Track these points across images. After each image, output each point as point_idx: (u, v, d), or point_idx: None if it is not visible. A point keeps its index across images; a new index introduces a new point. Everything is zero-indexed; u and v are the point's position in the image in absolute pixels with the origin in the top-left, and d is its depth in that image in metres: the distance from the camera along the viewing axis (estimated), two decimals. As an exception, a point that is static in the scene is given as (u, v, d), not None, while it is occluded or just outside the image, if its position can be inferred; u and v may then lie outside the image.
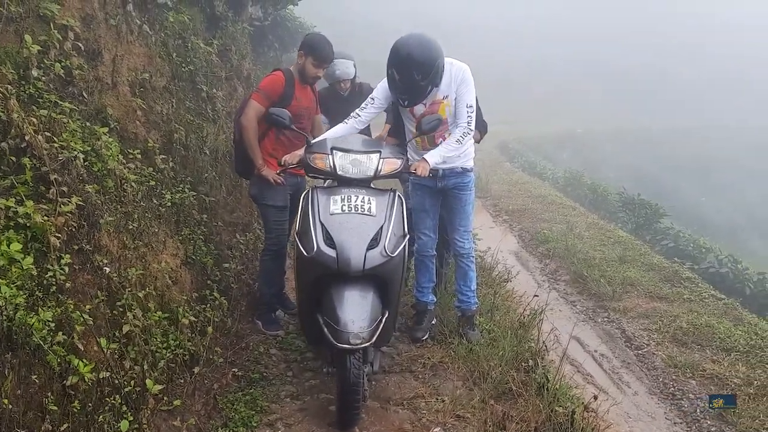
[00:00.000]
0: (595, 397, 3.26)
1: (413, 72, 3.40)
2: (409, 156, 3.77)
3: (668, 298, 5.52)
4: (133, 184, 3.64)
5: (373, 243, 2.99)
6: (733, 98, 32.62)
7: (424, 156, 3.59)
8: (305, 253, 3.01)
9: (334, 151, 3.28)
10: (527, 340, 4.12)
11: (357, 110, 3.73)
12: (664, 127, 27.26)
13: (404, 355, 4.00)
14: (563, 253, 6.96)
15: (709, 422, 3.64)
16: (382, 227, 3.05)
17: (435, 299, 4.34)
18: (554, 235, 7.65)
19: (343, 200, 3.11)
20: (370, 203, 3.12)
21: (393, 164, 3.36)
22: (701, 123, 28.13)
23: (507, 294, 5.16)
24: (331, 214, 3.06)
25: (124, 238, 3.40)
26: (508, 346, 3.89)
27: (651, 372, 4.30)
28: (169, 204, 4.17)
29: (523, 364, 3.72)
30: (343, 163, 3.25)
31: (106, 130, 3.74)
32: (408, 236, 3.21)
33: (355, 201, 3.11)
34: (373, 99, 3.73)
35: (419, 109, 3.72)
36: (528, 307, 4.58)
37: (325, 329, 2.92)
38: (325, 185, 3.51)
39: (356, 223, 3.04)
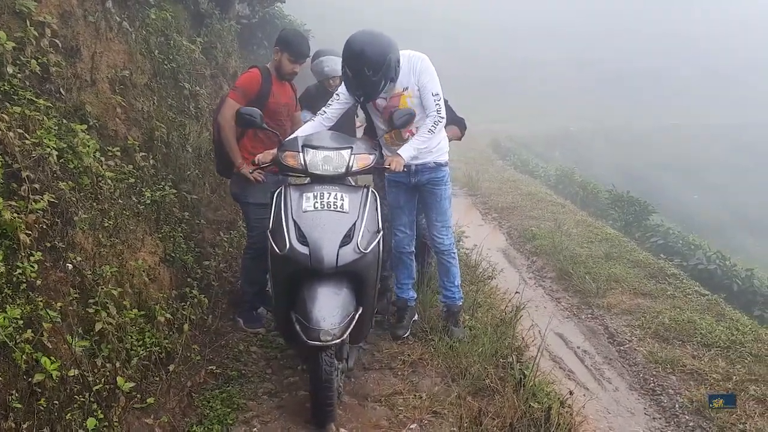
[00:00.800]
0: (571, 393, 3.27)
1: (364, 68, 3.38)
2: (383, 152, 3.78)
3: (652, 294, 5.53)
4: (109, 181, 3.61)
5: (346, 240, 2.99)
6: (723, 97, 32.73)
7: (398, 151, 3.57)
8: (278, 251, 3.01)
9: (305, 149, 3.27)
10: (508, 336, 4.12)
11: (324, 107, 3.72)
12: (656, 126, 27.33)
13: (384, 352, 3.99)
14: (550, 250, 6.97)
15: (687, 417, 3.64)
16: (355, 224, 3.06)
17: (415, 296, 4.33)
18: (542, 233, 7.66)
19: (315, 197, 3.11)
20: (343, 200, 3.12)
21: (365, 160, 3.35)
22: (691, 122, 28.19)
23: (490, 291, 5.17)
24: (304, 212, 3.06)
25: (100, 236, 3.38)
26: (488, 342, 3.89)
27: (632, 368, 4.30)
28: (149, 201, 4.15)
29: (501, 360, 3.71)
30: (315, 160, 3.24)
31: (84, 127, 3.71)
32: (382, 232, 3.21)
33: (328, 198, 3.11)
34: (338, 95, 3.70)
35: (381, 103, 3.71)
36: (510, 304, 4.58)
37: (297, 326, 2.92)
38: (303, 182, 3.48)
39: (329, 220, 3.04)
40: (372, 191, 3.29)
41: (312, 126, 3.66)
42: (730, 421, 3.50)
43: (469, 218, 8.92)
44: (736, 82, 35.11)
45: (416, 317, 4.35)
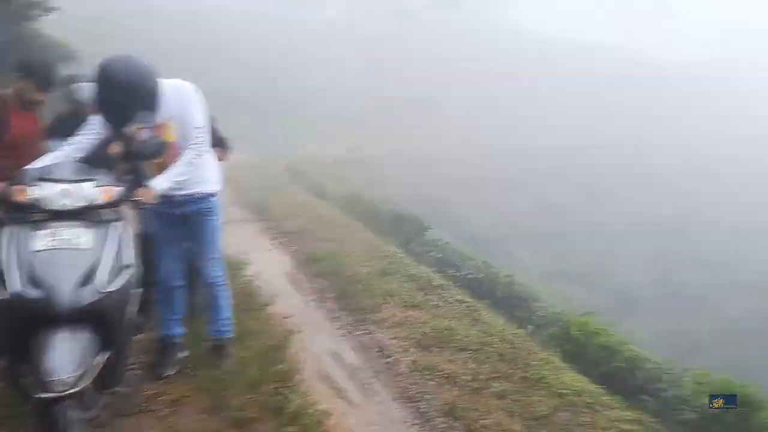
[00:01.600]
0: (330, 414, 3.36)
1: (115, 93, 3.24)
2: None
3: (420, 305, 5.94)
4: None
5: (86, 279, 2.78)
6: (495, 122, 36.70)
7: (150, 182, 3.41)
8: (2, 297, 2.71)
9: (39, 182, 2.97)
10: (278, 362, 4.16)
11: (74, 135, 3.47)
12: (439, 148, 29.70)
13: (145, 394, 3.79)
14: (333, 271, 7.16)
15: (440, 419, 3.94)
16: (96, 262, 2.86)
17: (182, 331, 4.17)
18: (326, 254, 7.85)
19: (49, 235, 2.85)
20: (84, 236, 2.90)
21: (109, 192, 3.10)
22: (469, 143, 31.18)
23: (266, 318, 5.16)
24: (36, 251, 2.79)
25: None
26: (256, 371, 3.88)
27: (396, 378, 4.56)
28: None
29: (267, 388, 3.73)
30: (50, 194, 2.94)
31: None
32: (133, 267, 3.03)
33: (65, 235, 2.87)
34: (91, 124, 3.49)
35: (145, 133, 3.55)
36: (282, 329, 4.62)
37: (30, 378, 2.67)
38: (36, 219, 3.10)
39: (65, 259, 2.80)
40: (123, 224, 3.11)
41: (56, 157, 3.37)
42: (475, 419, 3.86)
43: (257, 244, 8.89)
44: (506, 107, 39.45)
45: (186, 353, 4.20)
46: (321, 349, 5.05)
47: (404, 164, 25.97)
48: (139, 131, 3.56)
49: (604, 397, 4.34)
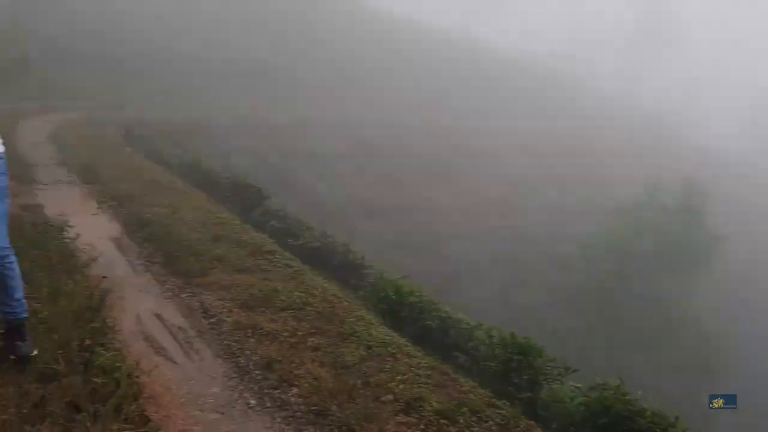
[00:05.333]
0: (137, 364, 3.43)
1: None
2: None
3: (249, 270, 6.07)
4: None
5: None
6: (350, 95, 37.23)
7: None
8: None
9: None
10: (91, 321, 4.10)
11: None
12: (289, 119, 29.62)
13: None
14: (162, 235, 7.05)
15: (257, 372, 4.13)
16: None
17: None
18: (157, 219, 7.69)
19: None
20: None
21: None
22: (318, 116, 31.42)
23: (82, 280, 5.02)
24: None
25: None
26: (64, 329, 3.81)
27: (219, 337, 4.68)
28: None
29: (75, 344, 3.69)
30: None
31: None
32: None
33: None
34: None
35: None
36: (97, 290, 4.54)
37: None
38: None
39: None
40: None
41: None
42: (289, 369, 4.10)
43: (82, 207, 8.46)
44: (361, 81, 40.16)
45: None
46: (144, 311, 5.03)
47: (248, 133, 25.59)
48: None
49: (407, 348, 4.78)
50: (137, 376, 3.47)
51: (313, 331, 4.70)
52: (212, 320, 4.97)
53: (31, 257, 5.23)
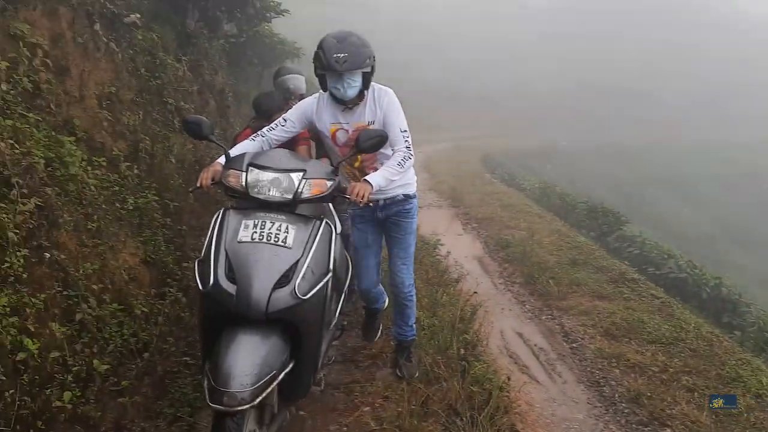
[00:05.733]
0: (508, 378, 3.58)
1: (354, 37, 3.16)
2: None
3: (609, 296, 5.86)
4: (93, 188, 3.96)
5: (283, 280, 2.52)
6: (707, 116, 33.46)
7: (366, 177, 3.13)
8: (200, 287, 2.55)
9: (250, 168, 2.79)
10: (463, 333, 4.45)
11: (265, 128, 3.36)
12: (645, 142, 27.85)
13: (349, 346, 4.32)
14: (522, 257, 7.29)
15: (624, 405, 3.95)
16: (297, 262, 2.59)
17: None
18: (516, 241, 7.99)
19: (255, 226, 2.64)
20: (287, 232, 2.64)
21: (320, 186, 2.82)
22: (679, 138, 28.76)
23: (455, 293, 5.48)
24: (239, 242, 2.60)
25: (83, 237, 3.72)
26: (443, 338, 4.20)
27: (581, 363, 4.61)
28: (132, 207, 4.50)
29: (451, 353, 4.03)
30: (259, 182, 2.76)
31: (72, 139, 4.08)
32: (331, 274, 2.72)
33: (270, 228, 2.63)
34: (285, 120, 3.36)
35: (341, 136, 3.38)
36: (468, 304, 4.90)
37: (204, 382, 2.42)
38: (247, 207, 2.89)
39: (265, 255, 2.56)
40: (326, 224, 2.82)
41: (248, 146, 3.21)
42: (661, 408, 3.81)
43: (450, 228, 9.28)
44: (725, 101, 35.83)
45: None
46: (507, 329, 5.26)
47: (602, 157, 24.82)
48: (335, 132, 3.40)
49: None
50: (507, 391, 3.63)
51: (686, 369, 4.29)
52: (573, 345, 4.93)
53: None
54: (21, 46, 3.96)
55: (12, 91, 3.76)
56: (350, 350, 4.28)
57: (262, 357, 2.42)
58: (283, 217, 2.69)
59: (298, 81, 4.86)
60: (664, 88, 36.45)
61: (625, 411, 3.89)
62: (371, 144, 2.99)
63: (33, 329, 2.85)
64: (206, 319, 2.63)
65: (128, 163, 4.72)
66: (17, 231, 3.09)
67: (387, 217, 3.63)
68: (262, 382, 2.37)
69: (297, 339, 2.62)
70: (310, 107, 3.40)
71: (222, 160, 3.01)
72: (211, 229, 2.70)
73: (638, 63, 38.62)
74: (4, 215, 3.05)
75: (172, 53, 6.24)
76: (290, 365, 2.58)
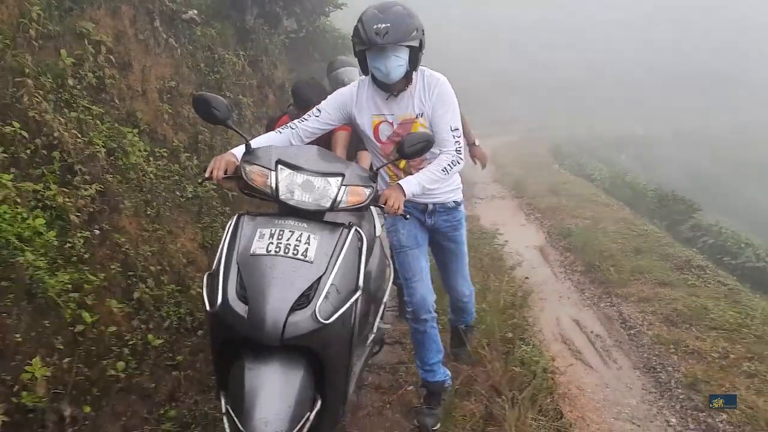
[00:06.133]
0: (553, 360, 3.53)
1: (398, 6, 2.69)
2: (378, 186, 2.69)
3: (673, 283, 5.64)
4: (152, 176, 4.18)
5: (303, 301, 2.13)
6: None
7: (400, 181, 2.71)
8: (207, 306, 2.17)
9: (279, 166, 2.35)
10: (513, 317, 4.42)
11: (297, 120, 2.89)
12: (727, 128, 26.44)
13: (397, 329, 4.37)
14: (583, 245, 7.13)
15: (680, 390, 3.81)
16: (319, 280, 2.17)
17: (449, 374, 3.38)
18: (578, 230, 7.81)
19: (272, 236, 2.23)
20: (308, 243, 2.22)
21: (357, 195, 2.41)
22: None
23: (509, 280, 5.44)
24: (252, 254, 2.20)
25: (143, 222, 3.95)
26: (491, 321, 4.19)
27: (638, 349, 4.48)
28: (191, 195, 4.71)
29: (498, 335, 4.01)
30: (291, 185, 2.33)
31: (135, 131, 4.33)
32: (360, 292, 2.27)
33: (288, 238, 2.22)
34: (320, 111, 2.88)
35: (386, 129, 2.92)
36: (521, 290, 4.85)
37: (225, 421, 2.14)
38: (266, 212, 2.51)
39: (282, 271, 2.15)
40: (356, 231, 2.38)
41: (274, 139, 2.77)
42: (719, 393, 3.66)
43: (512, 218, 9.17)
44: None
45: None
46: (563, 316, 5.16)
47: (680, 144, 23.77)
48: (378, 125, 2.94)
49: None
50: (552, 372, 3.58)
51: (748, 355, 4.09)
52: (631, 331, 4.79)
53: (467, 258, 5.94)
54: (86, 43, 4.23)
55: (78, 86, 4.02)
56: (399, 333, 4.33)
57: (294, 397, 2.09)
58: (305, 225, 2.27)
59: (353, 74, 4.62)
60: (750, 70, 34.53)
61: (681, 396, 3.76)
62: (416, 149, 2.51)
63: (91, 304, 3.05)
64: (217, 342, 2.26)
65: (188, 154, 4.95)
66: (79, 214, 3.32)
67: (436, 229, 3.20)
68: (297, 426, 2.08)
69: (324, 368, 2.22)
70: (349, 96, 2.92)
71: (237, 151, 2.58)
72: (223, 238, 2.31)
73: (721, 44, 36.69)
74: (67, 199, 3.28)
75: (231, 49, 6.47)
76: (318, 404, 2.22)
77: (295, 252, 2.19)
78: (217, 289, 2.13)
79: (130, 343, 3.17)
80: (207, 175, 2.54)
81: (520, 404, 3.13)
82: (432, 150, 2.63)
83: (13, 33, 3.66)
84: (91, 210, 3.46)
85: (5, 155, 3.13)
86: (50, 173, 3.35)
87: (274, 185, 2.32)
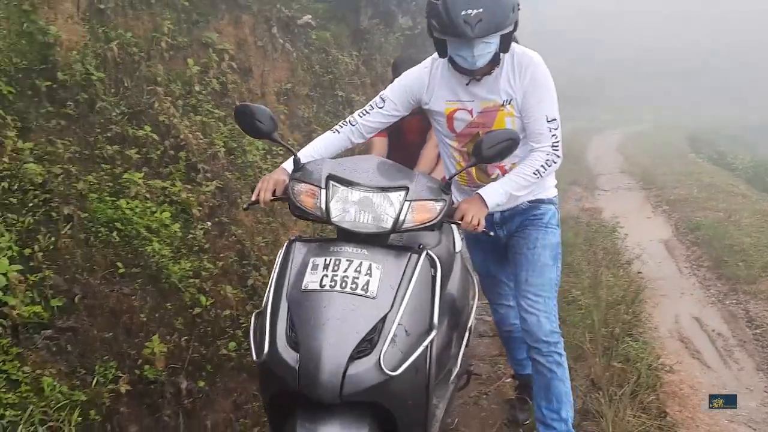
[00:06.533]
0: (658, 358, 3.40)
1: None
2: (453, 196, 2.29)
3: (812, 282, 5.17)
4: (267, 173, 4.50)
5: (365, 347, 1.76)
6: None
7: (480, 191, 2.28)
8: (254, 356, 1.86)
9: (331, 183, 1.98)
10: (624, 313, 4.28)
11: (357, 113, 2.47)
12: None
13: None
14: (712, 239, 6.69)
15: (808, 397, 3.53)
16: (384, 319, 1.80)
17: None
18: (708, 223, 7.32)
19: (327, 266, 1.86)
20: (369, 274, 1.85)
21: (425, 211, 2.01)
22: None
23: (623, 275, 5.25)
24: (304, 290, 1.84)
25: (258, 215, 4.27)
26: (598, 316, 4.08)
27: (763, 349, 4.18)
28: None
29: (604, 330, 3.91)
30: (344, 205, 1.97)
31: (253, 132, 4.68)
32: (435, 331, 1.88)
33: (346, 269, 1.85)
34: (382, 100, 2.42)
35: (463, 118, 2.41)
36: (635, 285, 4.68)
37: None
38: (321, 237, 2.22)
39: (339, 310, 1.78)
40: (427, 255, 1.99)
41: (331, 141, 2.38)
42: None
43: (638, 210, 8.76)
44: None
45: None
46: (683, 313, 4.90)
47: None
48: (453, 113, 2.42)
49: None
50: (657, 369, 3.44)
51: None
52: (757, 331, 4.47)
53: (580, 251, 5.81)
54: (211, 52, 4.63)
55: (203, 92, 4.43)
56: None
57: None
58: (365, 252, 1.89)
59: None
60: None
61: (808, 403, 3.47)
62: (497, 151, 2.05)
63: (209, 289, 3.37)
64: (267, 395, 1.93)
65: (303, 152, 5.25)
66: (200, 208, 3.67)
67: (510, 235, 2.62)
68: None
69: (391, 420, 1.83)
70: (417, 80, 2.43)
71: (288, 165, 2.23)
72: (274, 268, 1.98)
73: None
74: (190, 195, 3.64)
75: (346, 49, 6.74)
76: None
77: (354, 286, 1.81)
78: (265, 334, 1.81)
79: (243, 325, 3.45)
80: (254, 198, 2.18)
81: (619, 400, 3.05)
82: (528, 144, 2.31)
83: (147, 46, 4.11)
84: (212, 204, 3.81)
85: (138, 156, 3.54)
86: (176, 171, 3.74)
87: (324, 205, 1.96)
